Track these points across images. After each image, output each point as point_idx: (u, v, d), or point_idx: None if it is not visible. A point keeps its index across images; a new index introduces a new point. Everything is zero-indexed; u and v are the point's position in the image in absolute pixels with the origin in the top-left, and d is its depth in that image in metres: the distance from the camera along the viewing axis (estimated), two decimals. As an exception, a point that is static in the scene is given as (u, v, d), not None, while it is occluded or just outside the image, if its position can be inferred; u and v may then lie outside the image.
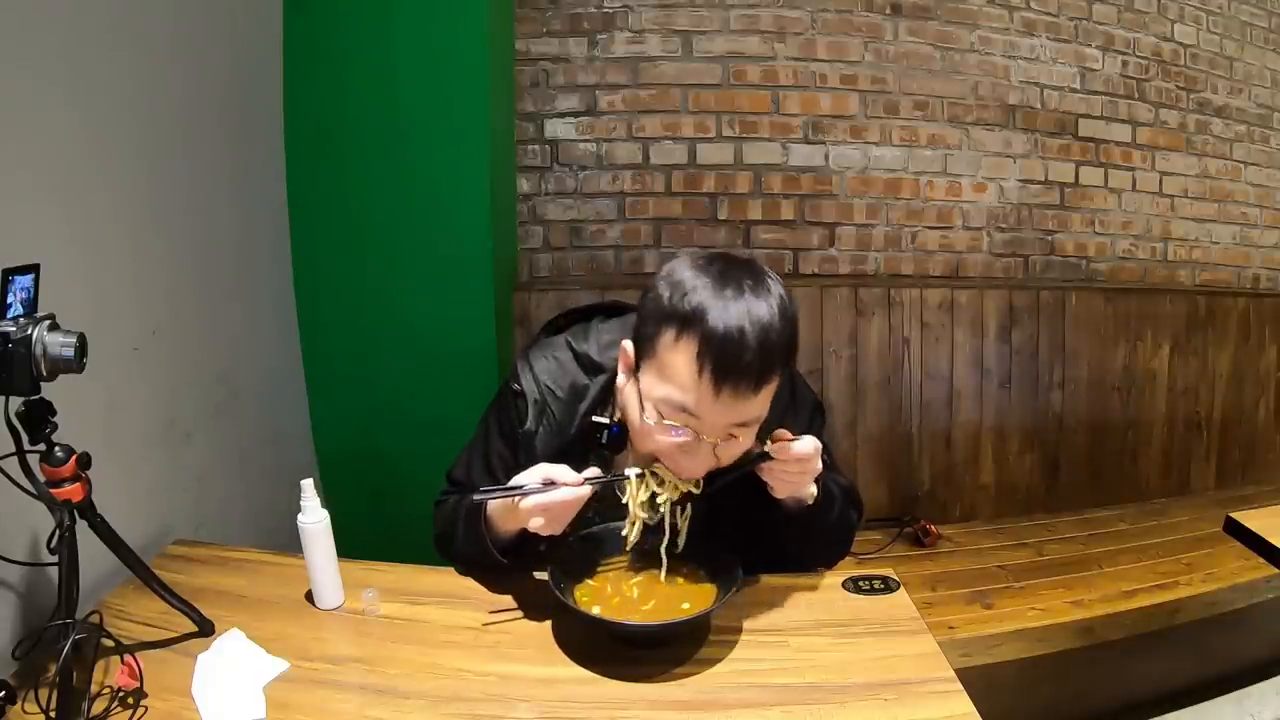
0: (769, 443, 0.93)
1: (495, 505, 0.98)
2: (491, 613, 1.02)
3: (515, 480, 0.94)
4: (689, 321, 0.84)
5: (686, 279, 0.87)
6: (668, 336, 0.86)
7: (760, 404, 0.88)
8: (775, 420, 1.02)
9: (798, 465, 0.94)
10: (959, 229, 2.36)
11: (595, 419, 1.00)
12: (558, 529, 0.94)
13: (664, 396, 0.88)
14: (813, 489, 0.99)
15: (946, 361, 2.22)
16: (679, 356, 0.85)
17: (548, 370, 1.06)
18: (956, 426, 2.23)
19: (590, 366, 1.04)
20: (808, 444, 0.93)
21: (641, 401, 0.91)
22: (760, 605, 1.03)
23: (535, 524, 0.91)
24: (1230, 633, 1.87)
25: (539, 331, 1.17)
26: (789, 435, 0.93)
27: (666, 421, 0.89)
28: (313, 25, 1.79)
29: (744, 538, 1.04)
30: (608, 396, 1.03)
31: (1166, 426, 2.37)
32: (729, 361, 0.83)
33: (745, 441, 0.91)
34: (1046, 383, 2.26)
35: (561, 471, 0.92)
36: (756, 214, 2.29)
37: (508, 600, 1.04)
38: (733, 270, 0.87)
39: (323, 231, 1.88)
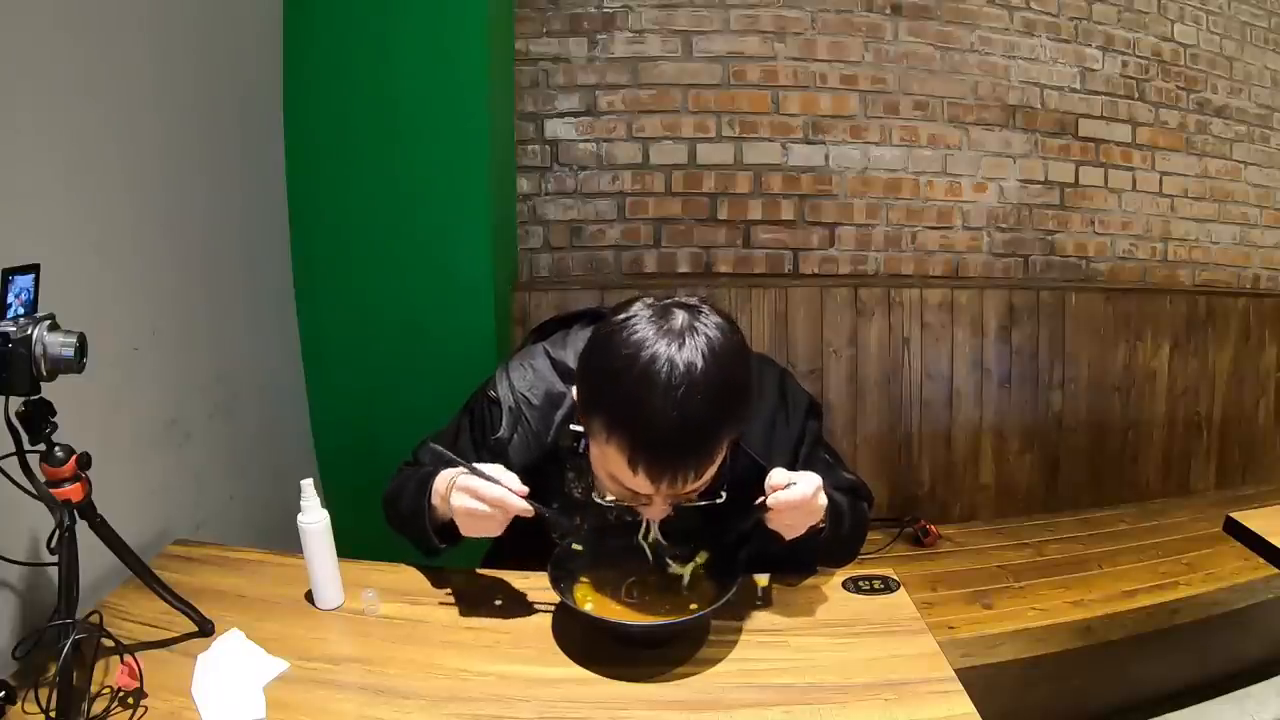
0: (766, 492, 0.91)
1: (440, 484, 0.97)
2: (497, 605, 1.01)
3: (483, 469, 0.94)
4: (616, 423, 0.82)
5: (611, 361, 0.83)
6: (599, 430, 0.85)
7: (709, 472, 0.86)
8: (766, 425, 1.03)
9: (794, 511, 0.92)
10: (959, 229, 2.36)
11: (573, 427, 0.99)
12: (482, 529, 0.93)
13: (610, 474, 0.88)
14: (821, 503, 0.97)
15: (946, 361, 2.22)
16: (611, 452, 0.84)
17: (523, 379, 1.06)
18: (956, 426, 2.23)
19: (567, 374, 1.03)
20: (804, 489, 0.90)
21: (594, 462, 0.92)
22: (760, 605, 1.03)
23: (458, 501, 0.92)
24: (1230, 633, 1.87)
25: (522, 340, 1.17)
26: (782, 483, 0.90)
27: (624, 496, 0.90)
28: (313, 25, 1.79)
29: (752, 545, 1.04)
30: None
31: (1166, 426, 2.37)
32: (661, 463, 0.82)
33: (703, 487, 0.90)
34: (1046, 383, 2.26)
35: (510, 477, 0.93)
36: (756, 214, 2.29)
37: (508, 601, 1.04)
38: (669, 341, 0.81)
39: (323, 231, 1.88)
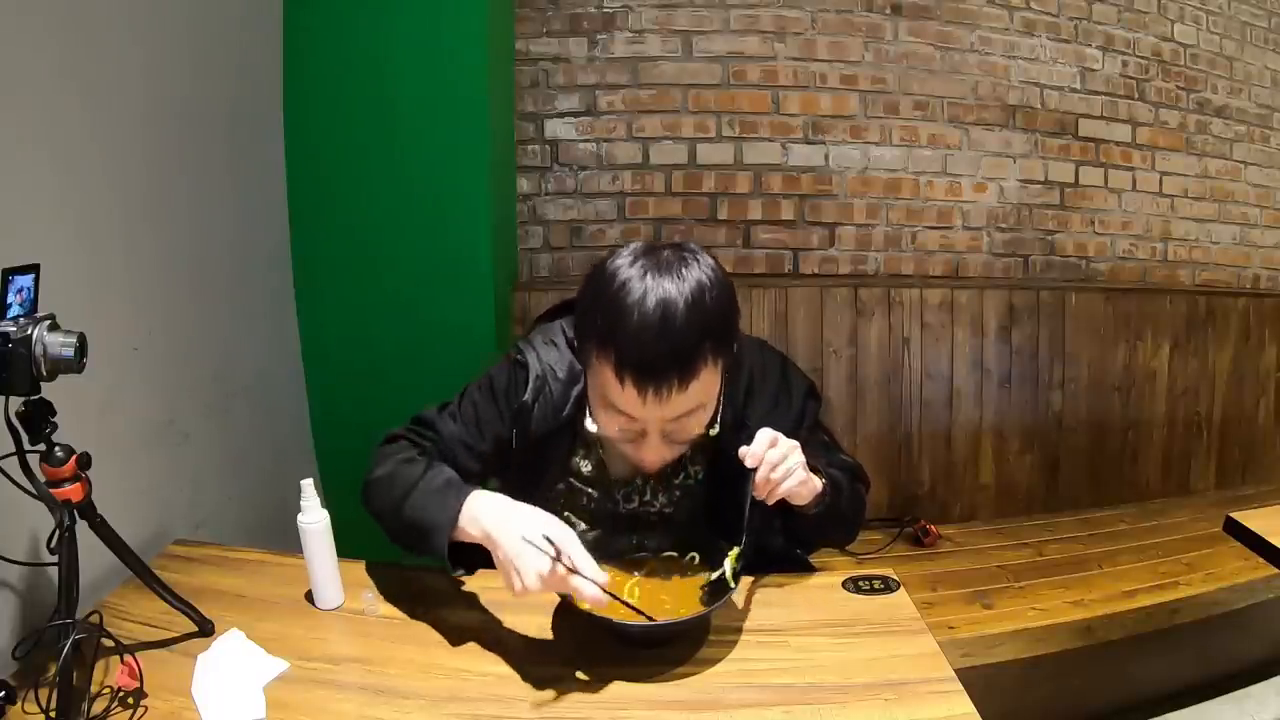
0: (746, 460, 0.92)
1: (481, 513, 0.92)
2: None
3: (556, 539, 0.86)
4: (604, 339, 0.87)
5: (599, 289, 0.89)
6: (591, 351, 0.90)
7: (696, 394, 0.89)
8: (768, 404, 1.07)
9: (776, 455, 0.91)
10: (959, 229, 2.36)
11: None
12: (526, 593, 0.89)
13: (604, 401, 0.92)
14: (816, 482, 0.98)
15: (946, 361, 2.22)
16: (604, 370, 0.89)
17: (549, 353, 1.08)
18: (956, 426, 2.22)
19: None
20: (763, 437, 0.92)
21: (590, 398, 0.96)
22: (760, 605, 1.03)
23: (527, 585, 0.85)
24: (1230, 633, 1.87)
25: (534, 321, 1.18)
26: (745, 449, 0.91)
27: (618, 428, 0.93)
28: (312, 25, 1.79)
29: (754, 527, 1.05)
30: None
31: (1166, 426, 2.37)
32: (645, 372, 0.86)
33: (696, 424, 0.94)
34: (1046, 383, 2.26)
35: (591, 567, 0.87)
36: (756, 214, 2.29)
37: (508, 601, 1.04)
38: (650, 269, 0.88)
39: (323, 231, 1.88)
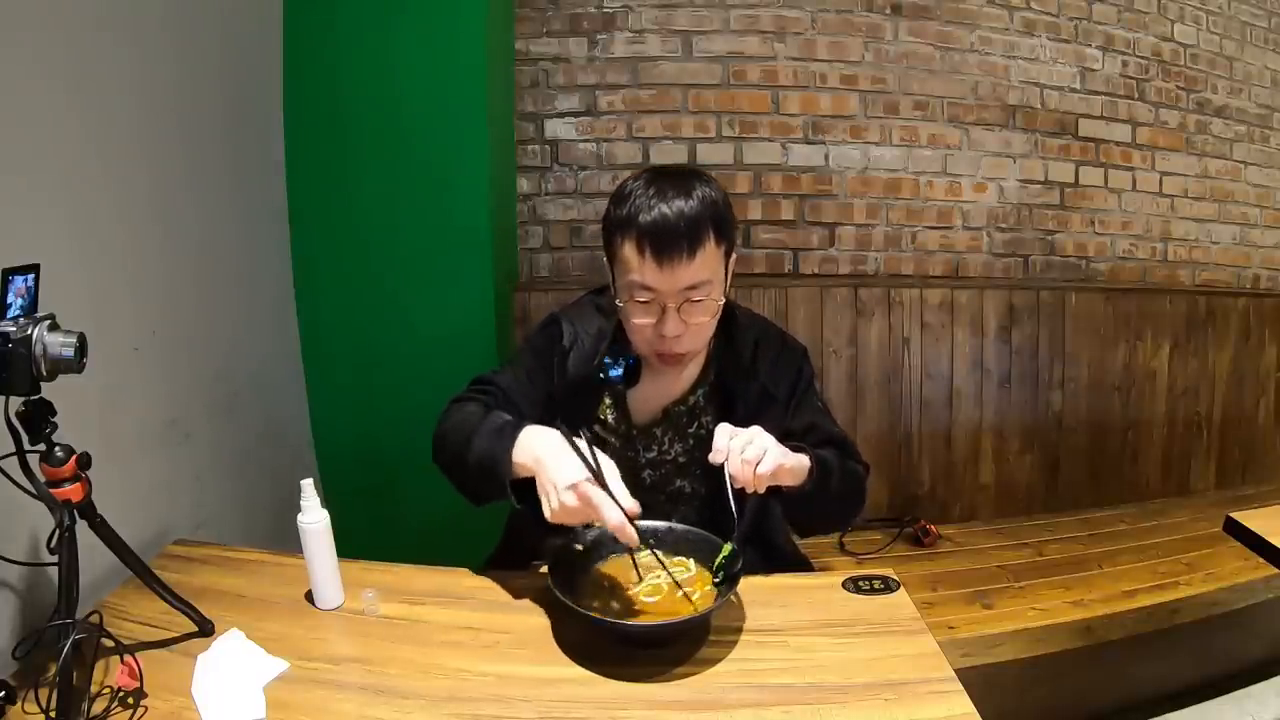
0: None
1: (535, 445, 0.96)
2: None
3: (600, 462, 0.93)
4: (626, 222, 1.04)
5: (623, 195, 1.06)
6: (618, 239, 1.05)
7: (702, 266, 1.03)
8: (772, 359, 1.19)
9: (740, 442, 0.95)
10: (959, 229, 2.36)
11: (607, 361, 1.15)
12: (566, 521, 0.93)
13: (627, 282, 1.06)
14: (801, 458, 1.01)
15: (946, 361, 2.22)
16: (627, 249, 1.04)
17: (580, 315, 1.22)
18: (956, 426, 2.22)
19: (611, 311, 1.17)
20: (720, 431, 0.97)
21: (619, 289, 1.10)
22: (760, 605, 1.03)
23: (569, 500, 0.90)
24: (1230, 633, 1.87)
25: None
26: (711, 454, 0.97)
27: (636, 301, 1.05)
28: (313, 26, 1.79)
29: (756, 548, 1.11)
30: (622, 335, 1.15)
31: (1166, 426, 2.37)
32: (659, 239, 1.01)
33: (704, 306, 1.06)
34: (1046, 382, 2.26)
35: (625, 495, 0.92)
36: (756, 214, 2.29)
37: (508, 601, 1.04)
38: (662, 179, 1.06)
39: (323, 231, 1.88)
